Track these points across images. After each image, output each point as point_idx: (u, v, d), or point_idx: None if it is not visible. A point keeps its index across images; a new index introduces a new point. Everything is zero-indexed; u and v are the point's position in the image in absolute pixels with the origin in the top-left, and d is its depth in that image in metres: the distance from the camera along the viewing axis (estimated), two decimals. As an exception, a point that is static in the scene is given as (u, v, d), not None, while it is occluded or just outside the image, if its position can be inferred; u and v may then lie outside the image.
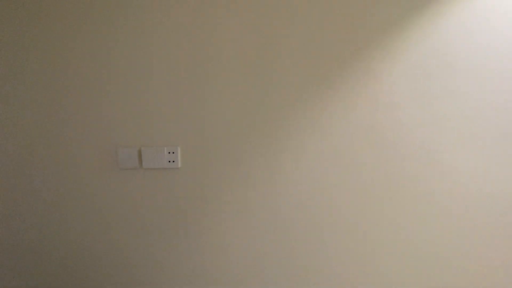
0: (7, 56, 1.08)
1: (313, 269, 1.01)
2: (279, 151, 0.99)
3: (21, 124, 1.10)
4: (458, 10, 0.88)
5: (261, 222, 1.02)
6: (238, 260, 1.04)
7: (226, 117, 1.00)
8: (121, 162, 1.03)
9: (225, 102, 0.99)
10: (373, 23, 0.91)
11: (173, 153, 1.00)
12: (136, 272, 1.10)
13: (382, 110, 0.93)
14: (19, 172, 1.12)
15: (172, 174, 1.03)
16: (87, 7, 1.02)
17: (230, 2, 0.96)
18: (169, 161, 1.01)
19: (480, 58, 0.88)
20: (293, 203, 1.00)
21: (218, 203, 1.03)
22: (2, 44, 1.08)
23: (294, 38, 0.95)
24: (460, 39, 0.89)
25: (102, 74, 1.04)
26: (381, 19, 0.91)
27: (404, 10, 0.90)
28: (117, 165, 1.05)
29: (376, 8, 0.91)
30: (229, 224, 1.03)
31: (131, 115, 1.04)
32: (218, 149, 1.01)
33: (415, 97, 0.92)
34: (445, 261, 0.94)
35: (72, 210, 1.11)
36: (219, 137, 1.00)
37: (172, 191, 1.04)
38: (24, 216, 1.14)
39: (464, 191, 0.92)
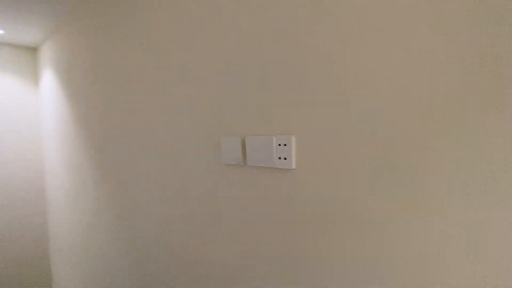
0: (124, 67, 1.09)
1: None
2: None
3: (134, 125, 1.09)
4: None
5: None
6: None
7: (372, 93, 0.60)
8: (224, 157, 0.84)
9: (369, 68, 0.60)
10: None
11: (285, 145, 0.68)
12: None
13: None
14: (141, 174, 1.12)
15: (283, 177, 0.72)
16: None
17: None
18: (279, 158, 0.69)
19: None
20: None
21: (352, 221, 0.65)
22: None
23: None
24: None
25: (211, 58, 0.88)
26: None
27: None
28: (221, 160, 0.87)
29: None
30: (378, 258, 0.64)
31: (235, 107, 0.81)
32: (358, 142, 0.61)
33: None
34: None
35: (176, 209, 1.02)
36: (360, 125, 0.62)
37: (283, 203, 0.74)
38: (143, 218, 1.14)
39: None
